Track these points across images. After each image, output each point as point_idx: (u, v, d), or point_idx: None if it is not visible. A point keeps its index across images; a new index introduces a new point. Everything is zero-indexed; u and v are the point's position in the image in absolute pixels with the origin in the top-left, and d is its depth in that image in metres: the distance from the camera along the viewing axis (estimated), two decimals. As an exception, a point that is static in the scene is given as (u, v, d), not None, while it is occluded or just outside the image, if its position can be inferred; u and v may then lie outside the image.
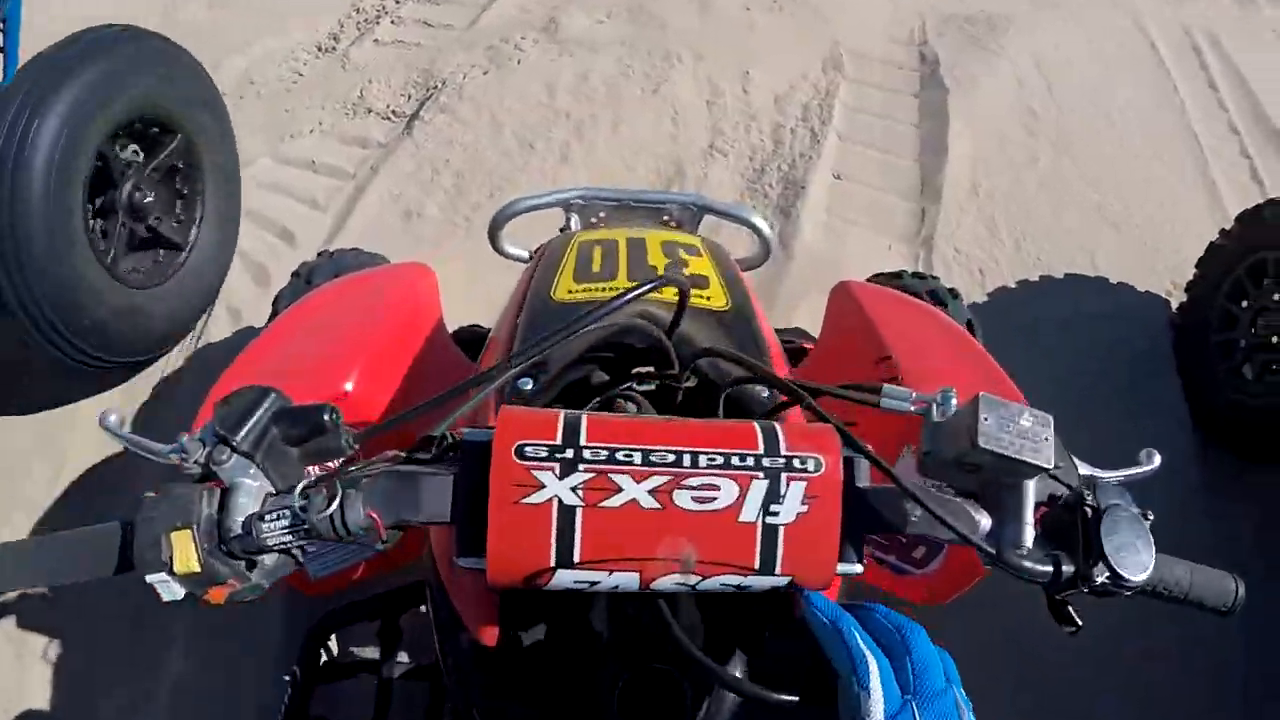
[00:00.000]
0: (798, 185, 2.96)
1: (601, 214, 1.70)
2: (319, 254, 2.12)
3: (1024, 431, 0.72)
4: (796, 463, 0.69)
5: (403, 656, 1.52)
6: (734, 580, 0.69)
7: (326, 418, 0.72)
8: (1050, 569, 0.72)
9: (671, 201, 1.67)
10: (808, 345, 1.72)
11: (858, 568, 0.74)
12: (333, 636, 1.48)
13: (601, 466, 0.67)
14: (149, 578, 0.67)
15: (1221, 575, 0.83)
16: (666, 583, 0.69)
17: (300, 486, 0.69)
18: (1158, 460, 0.91)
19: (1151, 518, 0.78)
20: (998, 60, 3.56)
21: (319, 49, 3.65)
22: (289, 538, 0.68)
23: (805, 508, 0.68)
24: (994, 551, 0.71)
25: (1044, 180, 3.09)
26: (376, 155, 3.12)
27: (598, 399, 0.95)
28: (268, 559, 0.70)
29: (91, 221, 2.18)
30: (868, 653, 0.64)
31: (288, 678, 1.37)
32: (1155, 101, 3.45)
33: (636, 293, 0.86)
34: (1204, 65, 3.65)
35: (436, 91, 3.31)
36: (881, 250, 2.84)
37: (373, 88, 3.37)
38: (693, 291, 1.11)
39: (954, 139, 3.18)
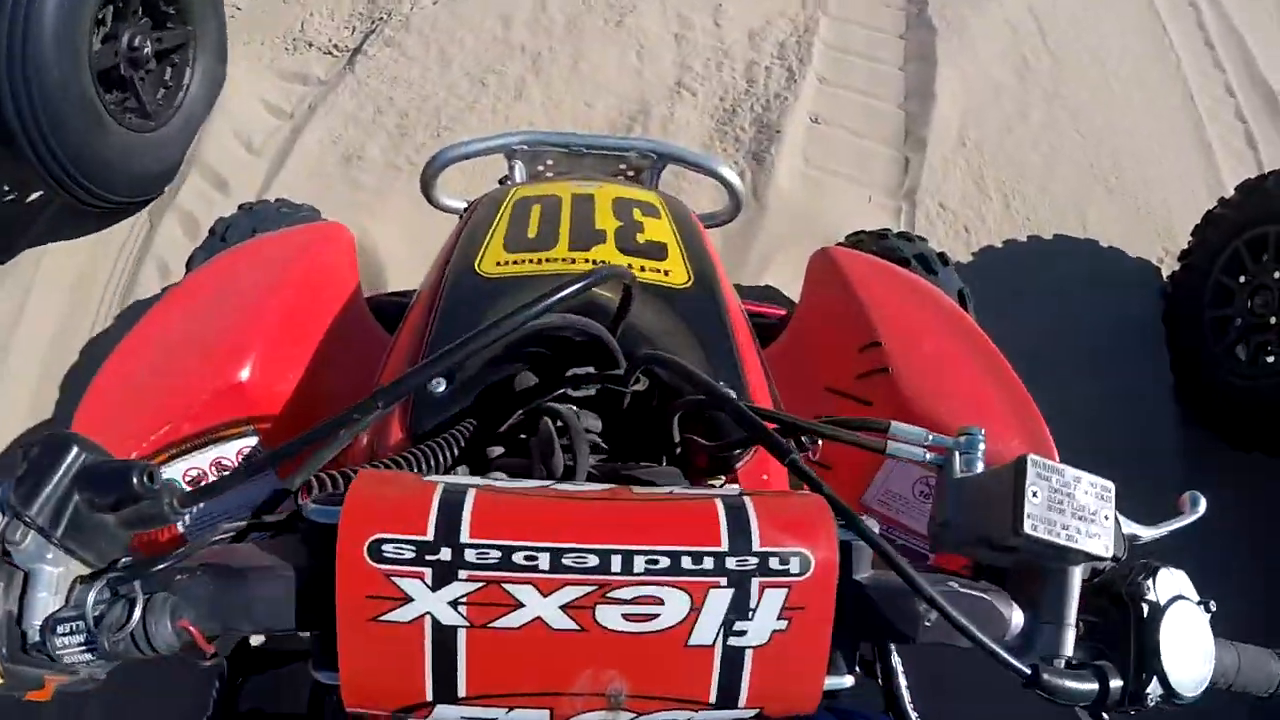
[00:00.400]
0: (772, 129, 2.76)
1: (549, 161, 1.51)
2: (240, 207, 1.92)
3: (1079, 509, 0.55)
4: (774, 562, 0.51)
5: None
6: (681, 716, 0.53)
7: (136, 481, 0.53)
8: (1094, 687, 0.56)
9: (629, 149, 1.49)
10: (780, 313, 1.54)
11: (847, 680, 0.57)
12: None
13: (491, 575, 0.50)
14: None
15: (1268, 655, 0.67)
16: (590, 719, 0.52)
17: (95, 588, 0.51)
18: (1203, 507, 0.75)
19: (1214, 609, 0.62)
20: (989, 3, 3.34)
21: (259, -23, 3.34)
22: (88, 656, 0.51)
23: (784, 624, 0.51)
24: (1030, 672, 0.54)
25: (1036, 134, 2.91)
26: (316, 93, 2.87)
27: (521, 411, 0.77)
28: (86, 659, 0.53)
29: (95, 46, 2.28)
30: None
31: (208, 665, 1.21)
32: (1151, 57, 3.28)
33: (558, 296, 0.67)
34: (1201, 23, 3.47)
35: (381, 24, 3.04)
36: (861, 202, 2.67)
37: (314, 20, 3.08)
38: (648, 265, 0.94)
39: (941, 85, 2.98)
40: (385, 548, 0.49)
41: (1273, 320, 2.10)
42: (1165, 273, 2.56)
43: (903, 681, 1.05)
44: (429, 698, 0.51)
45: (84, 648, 0.51)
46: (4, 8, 2.00)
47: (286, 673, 1.28)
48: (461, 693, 0.51)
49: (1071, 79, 3.12)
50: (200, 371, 0.98)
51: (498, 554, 0.50)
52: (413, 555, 0.49)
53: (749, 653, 0.51)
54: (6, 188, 2.61)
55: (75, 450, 0.54)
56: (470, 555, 0.50)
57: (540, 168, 1.52)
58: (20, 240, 2.47)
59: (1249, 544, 1.99)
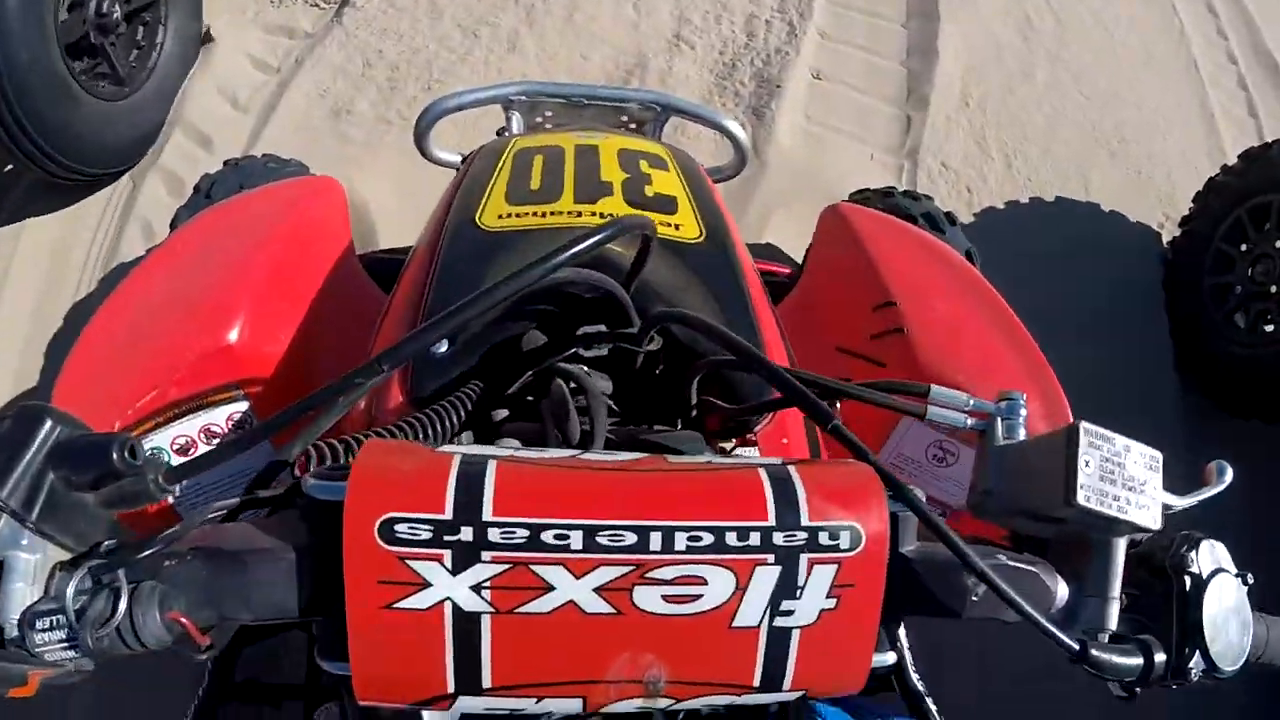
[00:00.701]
0: (772, 84, 2.71)
1: (548, 113, 1.47)
2: (225, 163, 1.86)
3: (1130, 480, 0.53)
4: (824, 537, 0.48)
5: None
6: (724, 700, 0.50)
7: (116, 456, 0.48)
8: (1139, 662, 0.54)
9: (631, 100, 1.44)
10: (785, 271, 1.51)
11: (890, 657, 0.55)
12: None
13: (519, 555, 0.46)
14: None
15: None
16: (624, 707, 0.49)
17: (75, 578, 0.47)
18: (1229, 476, 0.73)
19: (1251, 581, 0.60)
20: None
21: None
22: (72, 654, 0.46)
23: (833, 602, 0.48)
24: (1077, 647, 0.52)
25: (1039, 95, 2.87)
26: (303, 47, 2.78)
27: (531, 372, 0.74)
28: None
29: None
30: None
31: (203, 658, 1.19)
32: (1154, 23, 3.22)
33: (584, 246, 0.63)
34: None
35: (370, -29, 2.93)
36: (863, 160, 2.64)
37: (300, -29, 2.98)
38: (658, 219, 0.89)
39: (944, 42, 2.93)
40: (398, 528, 0.45)
41: (1273, 289, 2.10)
42: (1166, 239, 2.54)
43: (909, 658, 1.04)
44: (451, 689, 0.47)
45: (66, 644, 0.47)
46: None
47: (285, 640, 1.28)
48: (486, 683, 0.47)
49: (1075, 41, 3.07)
50: (186, 333, 0.94)
51: (525, 533, 0.46)
52: (430, 536, 0.45)
53: (796, 633, 0.48)
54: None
55: (49, 424, 0.49)
56: (494, 535, 0.46)
57: (539, 119, 1.47)
58: None
59: (1250, 513, 2.00)
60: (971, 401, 0.60)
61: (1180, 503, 0.68)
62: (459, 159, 1.47)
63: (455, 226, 0.93)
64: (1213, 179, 2.33)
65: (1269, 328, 2.10)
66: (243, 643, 1.16)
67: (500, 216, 0.92)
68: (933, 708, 0.99)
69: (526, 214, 0.92)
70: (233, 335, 0.94)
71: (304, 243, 1.14)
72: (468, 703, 0.48)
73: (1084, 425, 0.53)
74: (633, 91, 1.46)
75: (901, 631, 1.05)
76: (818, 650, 0.49)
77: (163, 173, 2.49)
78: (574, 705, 0.49)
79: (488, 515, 0.46)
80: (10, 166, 2.47)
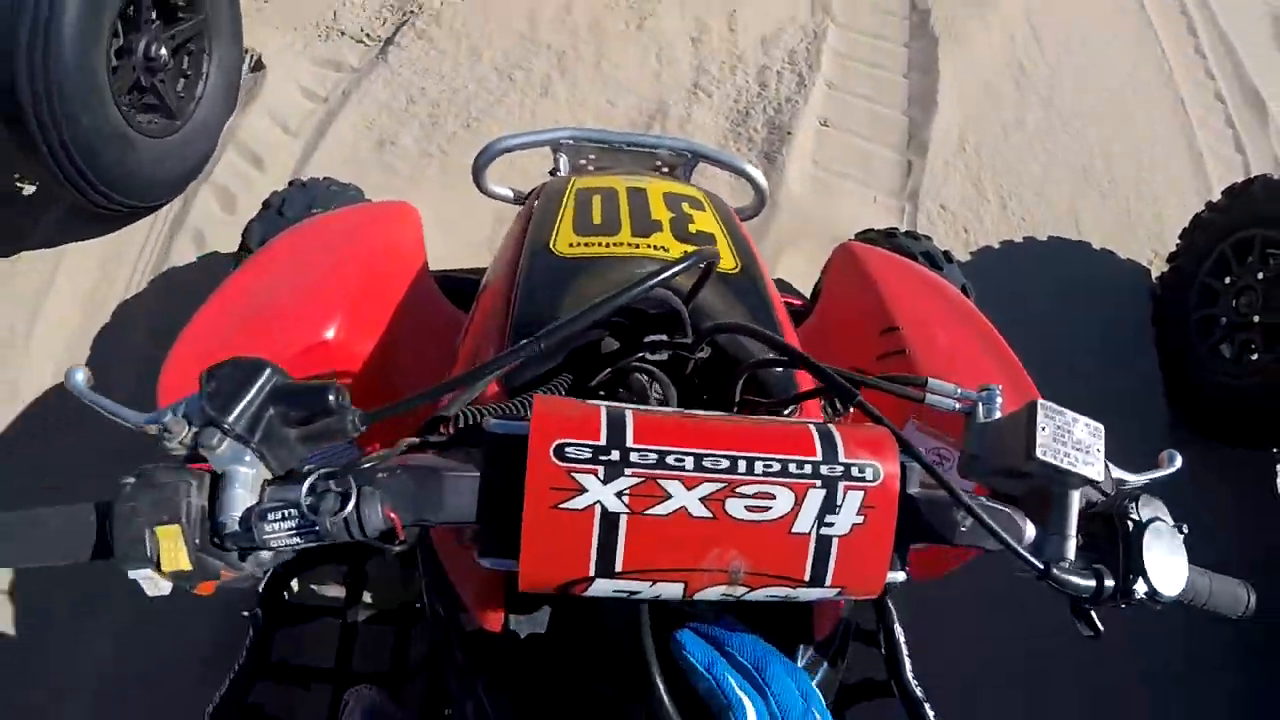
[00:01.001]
0: (783, 131, 2.89)
1: (591, 156, 1.62)
2: (291, 182, 2.02)
3: (1078, 442, 0.69)
4: (855, 471, 0.65)
5: (367, 598, 1.47)
6: (781, 591, 0.66)
7: (332, 398, 0.64)
8: (1093, 584, 0.70)
9: (664, 147, 1.60)
10: (798, 303, 1.68)
11: (902, 576, 0.70)
12: (294, 579, 1.42)
13: (650, 471, 0.62)
14: (132, 574, 0.60)
15: (1236, 584, 0.82)
16: (712, 593, 0.65)
17: (307, 483, 0.62)
18: (1179, 462, 0.89)
19: (1186, 531, 0.76)
20: (989, 11, 3.48)
21: (289, -35, 3.43)
22: (295, 539, 0.61)
23: (861, 519, 0.65)
24: (1042, 567, 0.68)
25: (1031, 139, 3.05)
26: (349, 80, 2.96)
27: (609, 369, 0.90)
28: (261, 556, 0.63)
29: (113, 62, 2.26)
30: (744, 697, 0.65)
31: (248, 615, 1.31)
32: (1144, 65, 3.41)
33: (672, 271, 0.79)
34: (1192, 30, 3.60)
35: (413, 16, 3.13)
36: (867, 203, 2.80)
37: (346, 10, 3.18)
38: None
39: (943, 91, 3.12)
40: (568, 449, 0.62)
41: (1256, 319, 2.21)
42: (1155, 274, 2.67)
43: (904, 650, 1.19)
44: (592, 573, 0.63)
45: (293, 532, 0.61)
46: (19, 48, 2.00)
47: (316, 627, 1.40)
48: (618, 568, 0.63)
49: (1067, 87, 3.25)
50: (289, 328, 1.08)
51: (654, 456, 0.62)
52: (589, 456, 0.62)
53: (835, 540, 0.64)
54: (32, 186, 2.66)
55: (268, 371, 0.64)
56: (634, 456, 0.62)
57: (582, 161, 1.63)
58: (47, 216, 2.54)
59: (1236, 538, 2.12)
60: (959, 390, 0.76)
61: (1134, 479, 0.84)
62: (509, 193, 1.64)
63: (533, 252, 1.08)
64: (1198, 215, 2.46)
65: (1253, 357, 2.21)
66: (275, 627, 1.30)
67: (571, 245, 1.08)
68: (930, 713, 1.13)
69: (593, 244, 1.07)
70: (330, 333, 1.10)
71: (387, 258, 1.31)
72: (601, 585, 0.64)
73: (1040, 402, 0.68)
74: (668, 140, 1.61)
75: (899, 632, 1.19)
76: (851, 555, 0.65)
77: (215, 188, 2.63)
78: (676, 590, 0.65)
79: (629, 443, 0.63)
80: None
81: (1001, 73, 3.29)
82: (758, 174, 1.62)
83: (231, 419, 0.62)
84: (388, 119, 2.84)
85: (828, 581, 0.65)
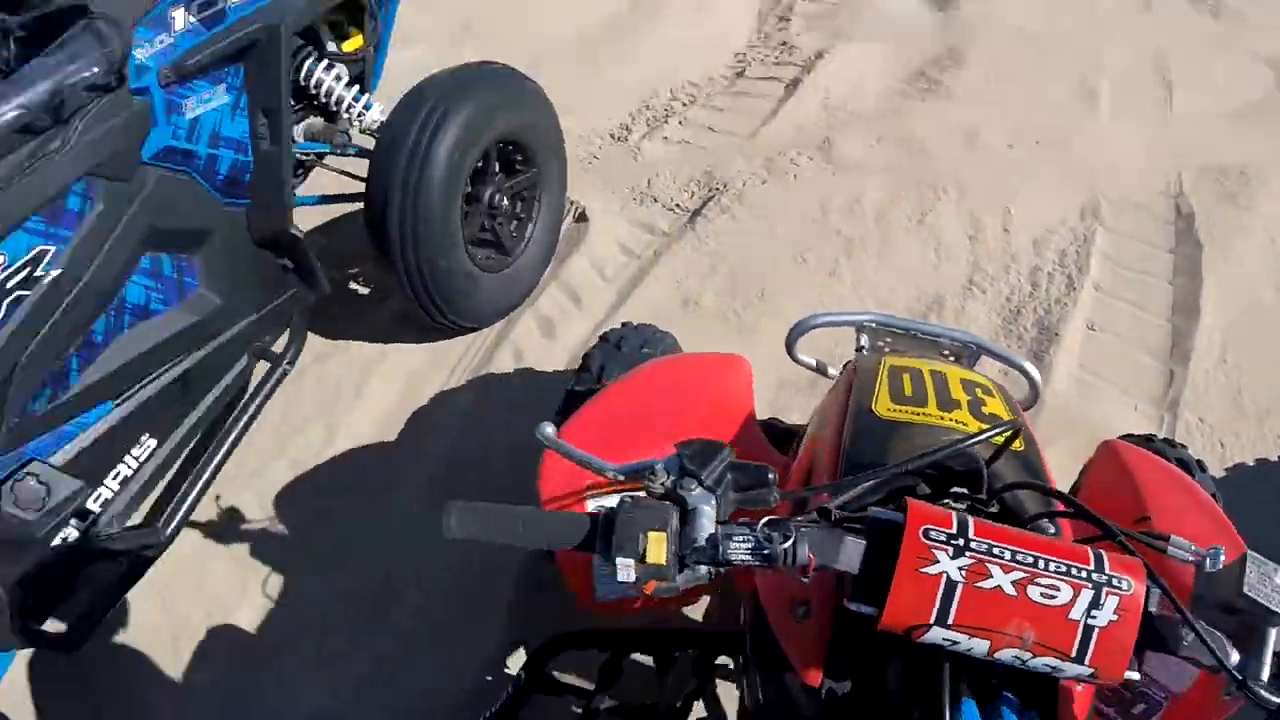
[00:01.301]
0: (1051, 331, 3.04)
1: (889, 338, 1.86)
2: (623, 324, 2.37)
3: (1278, 586, 0.90)
4: (1115, 581, 0.89)
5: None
6: (1052, 663, 0.87)
7: (771, 476, 0.96)
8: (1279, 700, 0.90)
9: (954, 339, 1.82)
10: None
11: (1135, 675, 0.92)
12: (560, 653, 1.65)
13: (982, 556, 0.88)
14: (619, 560, 0.88)
15: None
16: (1006, 655, 0.88)
17: (762, 523, 0.91)
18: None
19: None
20: (1249, 216, 3.53)
21: (612, 137, 4.00)
22: (748, 557, 0.90)
23: (1116, 617, 0.88)
24: (1241, 678, 0.87)
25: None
26: (660, 242, 3.41)
27: None
28: (697, 569, 0.91)
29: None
30: None
31: (511, 676, 1.55)
32: None
33: (987, 435, 1.11)
34: None
35: (719, 193, 3.57)
36: (1128, 409, 2.87)
37: (659, 180, 3.67)
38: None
39: (1206, 300, 3.18)
40: (932, 532, 0.89)
41: None
42: None
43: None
44: (932, 621, 0.87)
45: (749, 551, 0.90)
46: (393, 203, 2.41)
47: (562, 706, 1.64)
48: (950, 621, 0.86)
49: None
50: (648, 442, 1.26)
51: (986, 546, 0.88)
52: (944, 539, 0.89)
53: (1095, 630, 0.86)
54: (367, 288, 3.15)
55: (728, 449, 0.96)
56: (973, 545, 0.88)
57: (880, 342, 1.84)
58: (376, 314, 3.04)
59: None
60: (1193, 547, 0.97)
61: None
62: (812, 361, 1.94)
63: (856, 412, 1.35)
64: None
65: None
66: (531, 690, 1.60)
67: (889, 409, 1.35)
68: None
69: (907, 411, 1.34)
70: None
71: (727, 400, 1.67)
72: (935, 633, 0.87)
73: (1250, 552, 0.90)
74: (958, 332, 1.82)
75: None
76: (1105, 643, 0.86)
77: (537, 315, 3.05)
78: (983, 646, 0.87)
79: (970, 535, 0.90)
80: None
81: (1265, 282, 3.30)
82: (1035, 372, 1.81)
83: (705, 473, 0.93)
84: (693, 280, 3.23)
85: (1087, 660, 0.86)
